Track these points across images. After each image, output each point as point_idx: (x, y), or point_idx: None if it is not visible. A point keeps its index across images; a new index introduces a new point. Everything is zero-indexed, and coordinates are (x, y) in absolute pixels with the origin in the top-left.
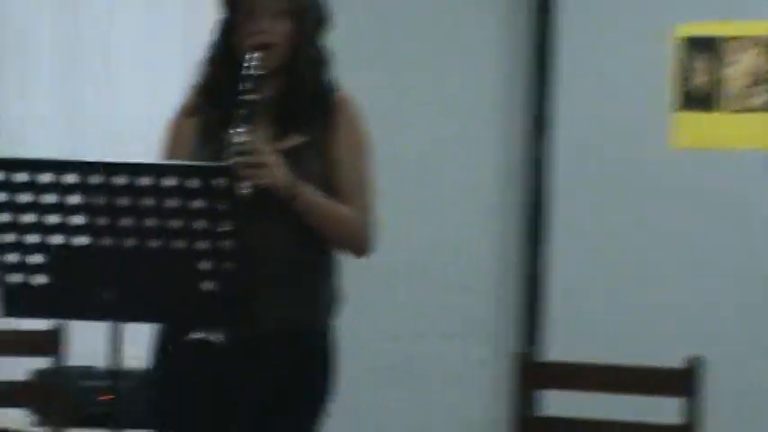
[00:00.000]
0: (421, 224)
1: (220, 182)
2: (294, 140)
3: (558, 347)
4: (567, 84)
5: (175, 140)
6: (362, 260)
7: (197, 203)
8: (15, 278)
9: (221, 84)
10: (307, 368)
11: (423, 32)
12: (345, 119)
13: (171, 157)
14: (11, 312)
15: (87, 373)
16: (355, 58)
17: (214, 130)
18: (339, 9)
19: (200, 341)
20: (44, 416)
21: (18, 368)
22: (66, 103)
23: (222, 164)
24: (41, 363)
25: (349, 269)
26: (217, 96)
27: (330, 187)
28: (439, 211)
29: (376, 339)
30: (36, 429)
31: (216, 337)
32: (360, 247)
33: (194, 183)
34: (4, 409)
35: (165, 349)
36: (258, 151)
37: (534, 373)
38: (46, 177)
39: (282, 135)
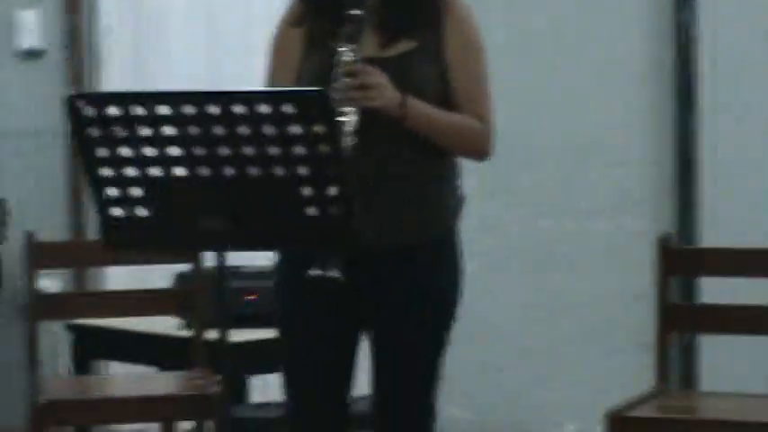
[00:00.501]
0: (577, 100)
1: (316, 106)
2: (403, 47)
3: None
4: None
5: (281, 52)
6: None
7: (294, 129)
8: (116, 211)
9: None
10: (436, 273)
11: None
12: (455, 19)
13: (278, 67)
14: (114, 246)
15: (231, 273)
16: None
17: (319, 39)
18: None
19: (321, 277)
20: (189, 319)
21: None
22: None
23: (315, 89)
24: (183, 268)
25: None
26: (320, 5)
27: (445, 91)
28: (591, 87)
29: (531, 217)
30: (183, 333)
31: (335, 272)
32: (479, 152)
33: (289, 108)
34: (151, 317)
35: (289, 285)
36: (365, 72)
37: (674, 260)
38: (139, 110)
39: (390, 42)
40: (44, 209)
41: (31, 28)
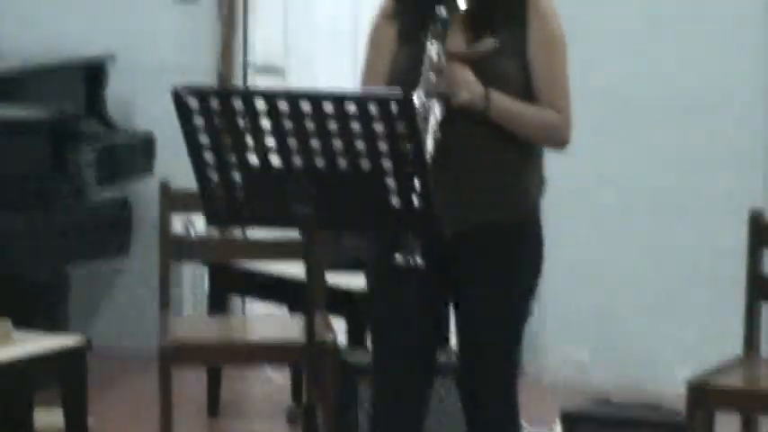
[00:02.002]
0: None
1: (397, 107)
2: (487, 44)
3: None
4: None
5: (376, 44)
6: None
7: (378, 127)
8: (218, 193)
9: None
10: (519, 250)
11: None
12: (537, 15)
13: (373, 60)
14: (214, 222)
15: None
16: None
17: (410, 33)
18: None
19: (404, 265)
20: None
21: None
22: None
23: (397, 92)
24: None
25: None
26: (411, 1)
27: (527, 84)
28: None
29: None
30: None
31: (417, 260)
32: (557, 142)
33: (373, 108)
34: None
35: (376, 268)
36: (450, 68)
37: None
38: (238, 104)
39: (476, 39)
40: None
41: None
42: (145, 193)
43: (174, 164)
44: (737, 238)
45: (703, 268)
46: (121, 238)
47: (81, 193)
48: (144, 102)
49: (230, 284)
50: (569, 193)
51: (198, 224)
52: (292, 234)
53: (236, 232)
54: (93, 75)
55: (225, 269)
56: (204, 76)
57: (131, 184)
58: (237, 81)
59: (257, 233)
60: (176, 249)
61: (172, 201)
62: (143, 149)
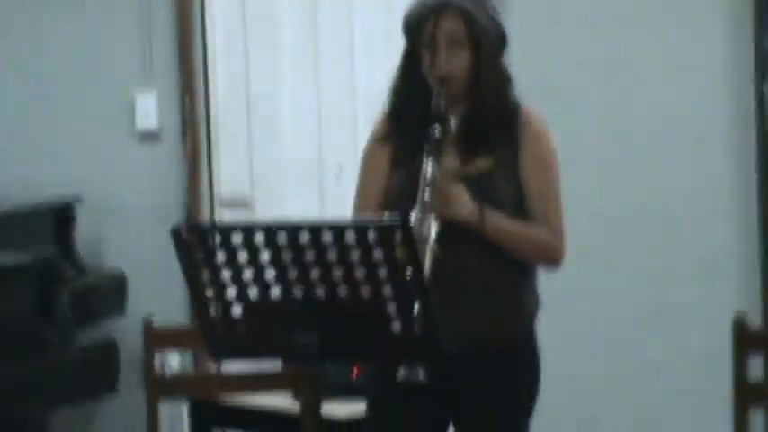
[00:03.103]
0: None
1: (398, 234)
2: (481, 164)
3: None
4: None
5: (370, 168)
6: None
7: (377, 254)
8: (219, 327)
9: (408, 113)
10: (517, 370)
11: None
12: (530, 135)
13: (366, 184)
14: (217, 357)
15: None
16: None
17: (404, 156)
18: None
19: (407, 381)
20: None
21: None
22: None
23: (396, 219)
24: None
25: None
26: (404, 124)
27: (521, 202)
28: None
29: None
30: (295, 407)
31: (420, 375)
32: (552, 262)
33: (372, 236)
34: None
35: (376, 387)
36: (444, 186)
37: (750, 339)
38: (237, 238)
39: (470, 159)
40: (161, 283)
41: (150, 110)
42: (118, 332)
43: (147, 301)
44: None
45: (684, 380)
46: (109, 378)
47: (65, 335)
48: (113, 241)
49: (212, 419)
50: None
51: (173, 361)
52: (269, 366)
53: (212, 366)
54: (61, 217)
55: (206, 404)
56: (171, 212)
57: (105, 324)
58: (204, 216)
59: (233, 366)
60: (161, 387)
61: (155, 339)
62: (115, 289)
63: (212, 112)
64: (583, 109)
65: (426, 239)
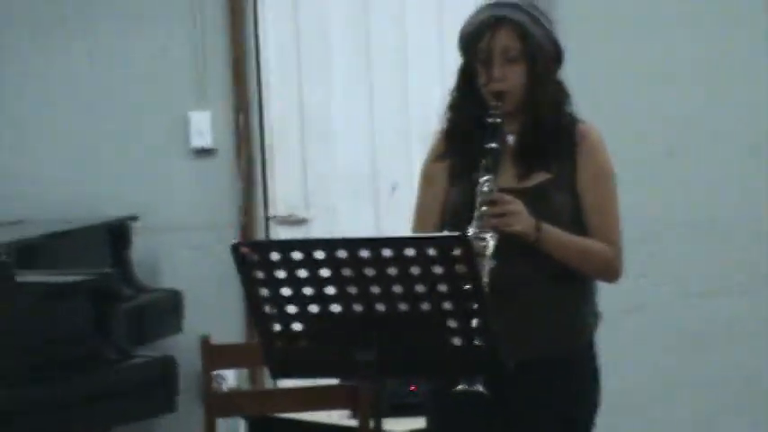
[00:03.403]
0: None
1: (457, 249)
2: (538, 179)
3: None
4: None
5: (429, 185)
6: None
7: (437, 269)
8: (279, 344)
9: (465, 128)
10: (577, 386)
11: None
12: (586, 151)
13: (426, 201)
14: (278, 375)
15: None
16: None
17: (462, 172)
18: None
19: (466, 393)
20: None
21: None
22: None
23: (455, 234)
24: None
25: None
26: (461, 141)
27: (578, 216)
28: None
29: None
30: (351, 422)
31: (479, 387)
32: (609, 276)
33: (432, 251)
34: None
35: (436, 399)
36: (502, 201)
37: None
38: (297, 255)
39: (527, 174)
40: (217, 301)
41: (204, 128)
42: (175, 350)
43: (203, 320)
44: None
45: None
46: (167, 396)
47: (123, 353)
48: (168, 260)
49: None
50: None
51: (229, 378)
52: (325, 382)
53: (269, 384)
54: (116, 236)
55: (263, 421)
56: (226, 230)
57: (163, 343)
58: (260, 234)
59: (288, 383)
60: (218, 405)
61: (212, 356)
62: (171, 307)
63: (266, 130)
64: (632, 122)
65: (484, 254)
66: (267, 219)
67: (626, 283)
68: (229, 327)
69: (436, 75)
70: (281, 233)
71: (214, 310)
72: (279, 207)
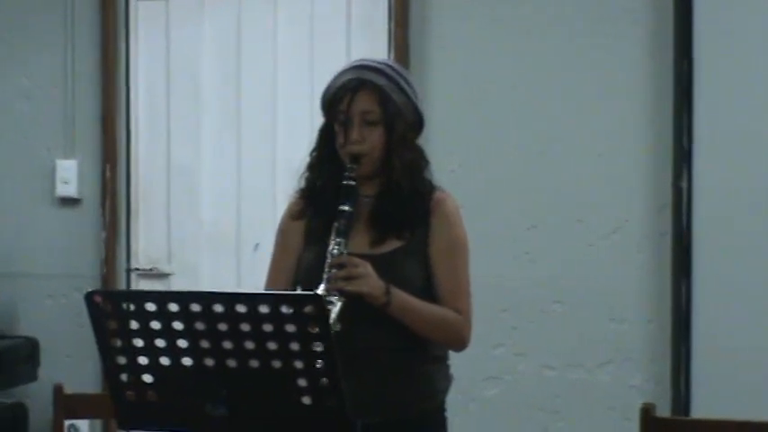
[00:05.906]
0: (573, 259)
1: (310, 309)
2: (391, 245)
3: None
4: (709, 118)
5: (284, 244)
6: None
7: (290, 327)
8: (129, 395)
9: (321, 189)
10: None
11: (567, 64)
12: (441, 220)
13: (279, 259)
14: (126, 426)
15: None
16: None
17: (317, 233)
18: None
19: None
20: None
21: None
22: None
23: (310, 292)
24: None
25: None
26: (317, 201)
27: (428, 283)
28: (589, 246)
29: (533, 369)
30: None
31: None
32: (457, 344)
33: (286, 309)
34: None
35: None
36: (350, 263)
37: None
38: (151, 306)
39: (380, 240)
40: (75, 349)
41: (70, 176)
42: (29, 398)
43: (59, 368)
44: None
45: None
46: None
47: None
48: (27, 307)
49: None
50: None
51: (82, 429)
52: None
53: None
54: None
55: None
56: (87, 280)
57: (17, 390)
58: (121, 286)
59: None
60: None
61: (65, 405)
62: (27, 355)
63: (132, 183)
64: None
65: (329, 317)
66: (129, 271)
67: (485, 351)
68: (85, 376)
69: (305, 138)
70: (142, 286)
71: (71, 359)
72: (141, 260)
